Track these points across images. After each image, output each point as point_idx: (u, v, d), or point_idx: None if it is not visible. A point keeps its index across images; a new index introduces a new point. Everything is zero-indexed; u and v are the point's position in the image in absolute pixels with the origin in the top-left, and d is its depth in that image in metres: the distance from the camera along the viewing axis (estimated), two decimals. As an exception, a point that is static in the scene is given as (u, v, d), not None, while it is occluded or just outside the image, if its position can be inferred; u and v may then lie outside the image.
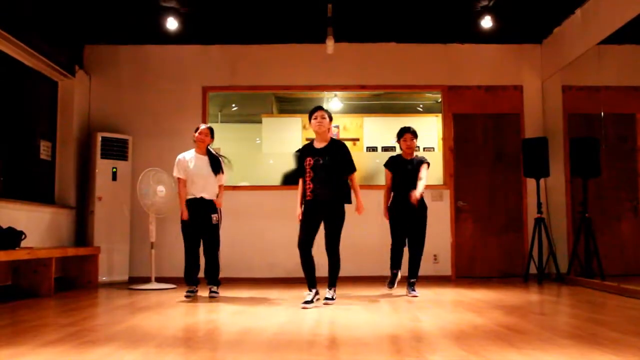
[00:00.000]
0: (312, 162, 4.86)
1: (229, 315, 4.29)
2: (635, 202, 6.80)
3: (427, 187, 7.20)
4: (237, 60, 7.61)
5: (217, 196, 5.51)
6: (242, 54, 7.60)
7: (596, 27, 6.16)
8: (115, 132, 7.28)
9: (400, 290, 5.62)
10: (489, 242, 7.45)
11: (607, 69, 6.48)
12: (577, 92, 7.20)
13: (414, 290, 5.44)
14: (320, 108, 4.99)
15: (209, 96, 7.65)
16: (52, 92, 7.05)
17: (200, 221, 5.37)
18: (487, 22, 6.65)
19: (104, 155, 7.06)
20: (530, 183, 7.27)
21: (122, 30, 7.26)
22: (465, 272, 7.38)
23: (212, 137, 5.57)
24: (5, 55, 5.98)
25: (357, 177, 5.07)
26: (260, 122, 8.62)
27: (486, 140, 7.59)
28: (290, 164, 7.72)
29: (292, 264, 6.99)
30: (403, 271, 5.64)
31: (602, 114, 6.66)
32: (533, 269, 6.87)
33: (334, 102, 8.46)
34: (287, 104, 9.03)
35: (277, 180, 7.67)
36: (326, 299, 4.79)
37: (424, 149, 8.17)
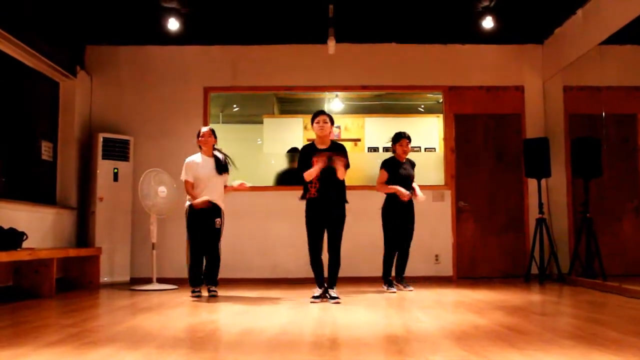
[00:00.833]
0: (316, 161, 4.99)
1: (230, 315, 4.29)
2: (636, 202, 6.79)
3: (428, 187, 7.27)
4: (239, 60, 7.61)
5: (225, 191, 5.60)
6: (243, 55, 7.60)
7: (597, 27, 6.15)
8: (117, 133, 7.29)
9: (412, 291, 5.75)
10: (490, 242, 7.44)
11: (609, 69, 6.47)
12: (578, 93, 7.19)
13: (407, 285, 5.87)
14: (323, 112, 5.15)
15: (210, 97, 7.66)
16: (53, 92, 7.05)
17: (206, 225, 5.41)
18: (488, 23, 6.65)
19: (105, 156, 7.07)
20: (532, 183, 7.27)
21: (123, 31, 7.26)
22: (467, 273, 7.37)
23: (215, 137, 5.63)
24: (6, 56, 5.99)
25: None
26: (261, 122, 8.62)
27: (487, 140, 7.58)
28: (286, 165, 7.75)
29: (294, 265, 7.03)
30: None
31: (604, 114, 6.65)
32: (534, 270, 6.87)
33: (335, 102, 8.46)
34: (288, 105, 9.04)
35: (282, 180, 7.68)
36: (333, 298, 4.91)
37: (425, 149, 8.18)
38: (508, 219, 7.46)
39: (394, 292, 5.70)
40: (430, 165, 7.65)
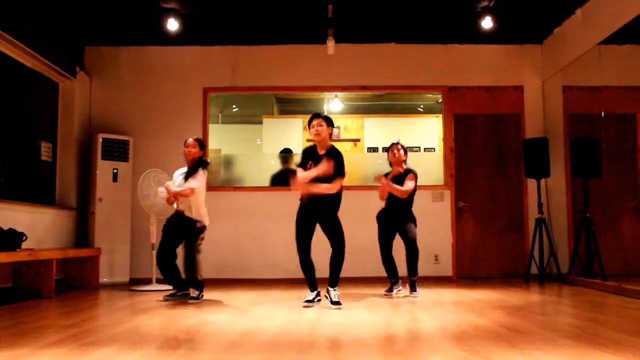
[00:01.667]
0: (312, 166, 4.87)
1: (230, 316, 4.29)
2: (635, 202, 6.80)
3: (428, 187, 7.27)
4: (238, 61, 7.61)
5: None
6: (242, 55, 7.60)
7: (596, 27, 6.15)
8: (116, 133, 7.29)
9: (401, 291, 5.62)
10: (490, 242, 7.44)
11: (608, 69, 6.48)
12: (577, 92, 7.20)
13: (415, 290, 5.48)
14: (318, 116, 4.94)
15: (210, 97, 7.66)
16: (53, 93, 7.05)
17: (176, 235, 5.25)
18: (487, 23, 6.66)
19: (105, 157, 7.07)
20: (531, 183, 7.27)
21: (123, 32, 7.26)
22: (466, 273, 7.37)
23: (202, 147, 5.41)
24: (6, 57, 5.99)
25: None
26: (261, 122, 8.63)
27: (487, 140, 7.58)
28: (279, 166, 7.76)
29: (293, 265, 6.97)
30: (402, 272, 5.64)
31: (603, 114, 6.66)
32: (534, 269, 6.87)
33: (334, 102, 8.46)
34: (287, 105, 9.04)
35: (276, 181, 7.67)
36: (334, 303, 4.66)
37: (424, 149, 8.18)
38: (507, 219, 7.46)
39: (390, 295, 5.54)
40: (429, 165, 7.65)
